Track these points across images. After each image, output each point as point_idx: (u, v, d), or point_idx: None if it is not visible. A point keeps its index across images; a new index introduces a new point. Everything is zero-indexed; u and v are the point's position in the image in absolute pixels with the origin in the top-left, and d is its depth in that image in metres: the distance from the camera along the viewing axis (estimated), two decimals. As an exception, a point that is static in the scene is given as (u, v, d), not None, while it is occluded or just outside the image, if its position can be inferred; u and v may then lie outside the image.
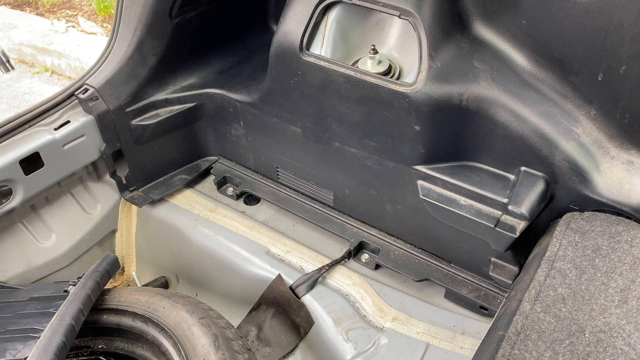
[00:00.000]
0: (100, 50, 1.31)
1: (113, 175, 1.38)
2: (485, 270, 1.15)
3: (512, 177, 1.04)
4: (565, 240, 0.90)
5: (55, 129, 1.24)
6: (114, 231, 1.48)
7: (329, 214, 1.36)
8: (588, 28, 0.87)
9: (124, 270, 1.52)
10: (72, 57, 3.79)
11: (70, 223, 1.35)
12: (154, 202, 1.43)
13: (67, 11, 4.44)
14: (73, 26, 4.16)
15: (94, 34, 4.05)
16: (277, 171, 1.41)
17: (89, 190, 1.40)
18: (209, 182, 1.51)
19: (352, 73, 1.07)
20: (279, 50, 1.16)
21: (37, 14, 4.41)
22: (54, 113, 1.25)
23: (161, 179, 1.47)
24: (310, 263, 1.27)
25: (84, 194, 1.39)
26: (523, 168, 1.02)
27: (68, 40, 3.92)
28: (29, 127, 1.23)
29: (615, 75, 0.89)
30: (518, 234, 0.99)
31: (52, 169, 1.25)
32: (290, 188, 1.42)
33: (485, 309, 1.15)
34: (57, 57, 3.87)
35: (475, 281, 1.18)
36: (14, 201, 1.21)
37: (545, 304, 0.80)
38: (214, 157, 1.53)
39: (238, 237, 1.34)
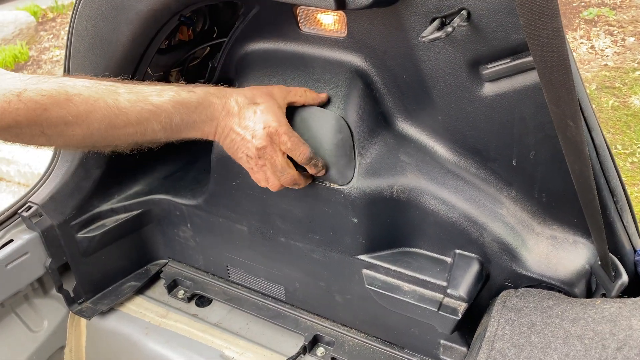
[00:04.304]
0: (48, 158, 1.33)
1: (60, 289, 1.36)
2: (437, 353, 1.17)
3: (449, 259, 1.09)
4: (502, 319, 0.94)
5: (-3, 249, 1.23)
6: (62, 347, 1.43)
7: (282, 309, 1.37)
8: (496, 120, 0.96)
9: (74, 388, 1.46)
10: (22, 162, 3.77)
11: (14, 345, 1.30)
12: (103, 313, 1.40)
13: (16, 118, 4.43)
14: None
15: (44, 138, 4.05)
16: (228, 270, 1.42)
17: (35, 307, 1.36)
18: (160, 287, 1.50)
19: (289, 173, 1.13)
20: (219, 154, 1.21)
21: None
22: (-4, 233, 1.25)
23: (110, 288, 1.45)
24: (266, 362, 1.26)
25: (29, 312, 1.35)
26: (457, 250, 1.07)
27: (16, 147, 3.91)
28: (-30, 249, 1.21)
29: (526, 160, 0.98)
30: (460, 316, 1.03)
31: (-5, 290, 1.23)
32: (242, 286, 1.43)
33: (442, 392, 1.16)
34: (5, 164, 3.83)
35: (429, 365, 1.19)
36: (-47, 328, 1.17)
37: (488, 387, 0.82)
38: (164, 260, 1.53)
39: (191, 342, 1.32)
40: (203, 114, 0.96)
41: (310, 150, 1.02)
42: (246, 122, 0.98)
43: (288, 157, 1.02)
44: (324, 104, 1.07)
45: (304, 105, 1.07)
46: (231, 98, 0.99)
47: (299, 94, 1.05)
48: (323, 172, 1.05)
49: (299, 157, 1.02)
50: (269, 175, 1.02)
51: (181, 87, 0.96)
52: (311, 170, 1.05)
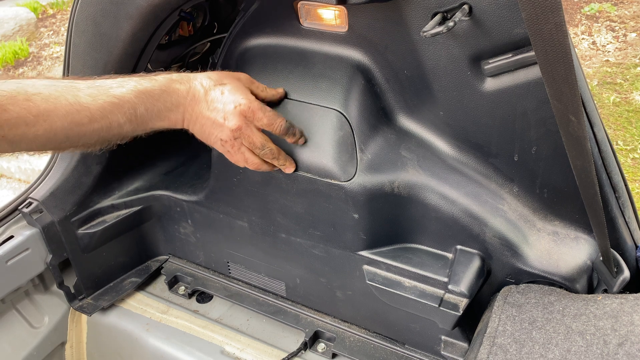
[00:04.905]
0: (48, 154, 1.32)
1: (60, 285, 1.36)
2: (438, 349, 1.16)
3: (450, 255, 1.09)
4: (503, 315, 0.94)
5: (-2, 245, 1.23)
6: (63, 343, 1.43)
7: (282, 305, 1.37)
8: (497, 116, 0.96)
9: (75, 384, 1.46)
10: (22, 159, 3.78)
11: (15, 341, 1.30)
12: (104, 309, 1.40)
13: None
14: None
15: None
16: (228, 266, 1.42)
17: (35, 303, 1.36)
18: (161, 283, 1.49)
19: (290, 169, 1.12)
20: (219, 151, 1.21)
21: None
22: (-4, 229, 1.25)
23: (111, 284, 1.45)
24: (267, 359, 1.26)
25: (30, 308, 1.35)
26: (459, 246, 1.07)
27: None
28: (-30, 245, 1.21)
29: (528, 155, 0.97)
30: (461, 312, 1.02)
31: (-5, 286, 1.22)
32: (243, 282, 1.43)
33: (443, 388, 1.16)
34: (5, 160, 3.84)
35: (430, 361, 1.19)
36: (-46, 324, 1.17)
37: (489, 383, 0.82)
38: (165, 257, 1.53)
39: (191, 338, 1.32)
40: (168, 101, 0.93)
41: (287, 120, 1.02)
42: (215, 104, 0.95)
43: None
44: (323, 99, 1.07)
45: (303, 104, 1.07)
46: (195, 82, 0.96)
47: (260, 88, 1.05)
48: (302, 140, 1.05)
49: (276, 129, 1.00)
50: (247, 155, 1.01)
51: (142, 77, 0.93)
52: (290, 140, 1.04)
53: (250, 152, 1.01)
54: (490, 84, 0.92)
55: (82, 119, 0.84)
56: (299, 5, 1.03)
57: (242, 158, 1.02)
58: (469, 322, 1.10)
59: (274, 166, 1.07)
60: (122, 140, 0.95)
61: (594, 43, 4.35)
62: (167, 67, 1.30)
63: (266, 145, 1.01)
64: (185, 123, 0.98)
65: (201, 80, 0.96)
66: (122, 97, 0.88)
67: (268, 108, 1.00)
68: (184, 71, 1.00)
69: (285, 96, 1.09)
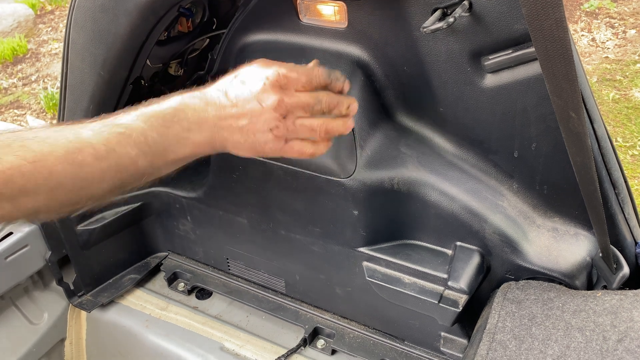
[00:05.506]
0: None
1: (60, 282, 1.36)
2: (437, 345, 1.17)
3: (449, 252, 1.09)
4: (503, 311, 0.94)
5: (-3, 242, 1.23)
6: (62, 340, 1.43)
7: (282, 302, 1.37)
8: (498, 112, 0.96)
9: (74, 381, 1.46)
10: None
11: (14, 337, 1.30)
12: (103, 306, 1.41)
13: (15, 111, 4.44)
14: (20, 125, 4.16)
15: (43, 131, 4.05)
16: (228, 262, 1.42)
17: (35, 300, 1.36)
18: (160, 279, 1.49)
19: (289, 165, 1.12)
20: (219, 147, 1.20)
21: (-17, 117, 4.40)
22: (-5, 226, 1.24)
23: (110, 280, 1.45)
24: (266, 356, 1.26)
25: (29, 305, 1.35)
26: (458, 243, 1.07)
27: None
28: (-31, 241, 1.21)
29: (528, 152, 0.97)
30: (461, 308, 1.03)
31: (-6, 283, 1.22)
32: (242, 278, 1.43)
33: (442, 384, 1.16)
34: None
35: (430, 357, 1.19)
36: (-47, 321, 1.17)
37: (489, 379, 0.82)
38: (164, 253, 1.53)
39: (191, 334, 1.32)
40: (184, 119, 0.76)
41: (323, 67, 0.82)
42: (242, 97, 0.77)
43: None
44: None
45: None
46: (209, 90, 0.80)
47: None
48: (347, 84, 0.84)
49: (319, 79, 0.80)
50: (314, 124, 0.79)
51: (149, 101, 0.78)
52: (338, 87, 0.83)
53: (311, 119, 0.79)
54: (490, 80, 0.92)
55: (86, 158, 0.70)
56: (298, 1, 1.03)
57: (306, 133, 0.80)
58: (468, 319, 1.10)
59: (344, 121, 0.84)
60: (140, 183, 0.77)
61: (593, 40, 4.35)
62: (165, 64, 1.30)
63: (320, 96, 0.80)
64: (219, 143, 0.79)
65: (215, 86, 0.80)
66: (128, 125, 0.74)
67: (295, 64, 0.80)
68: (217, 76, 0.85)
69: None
